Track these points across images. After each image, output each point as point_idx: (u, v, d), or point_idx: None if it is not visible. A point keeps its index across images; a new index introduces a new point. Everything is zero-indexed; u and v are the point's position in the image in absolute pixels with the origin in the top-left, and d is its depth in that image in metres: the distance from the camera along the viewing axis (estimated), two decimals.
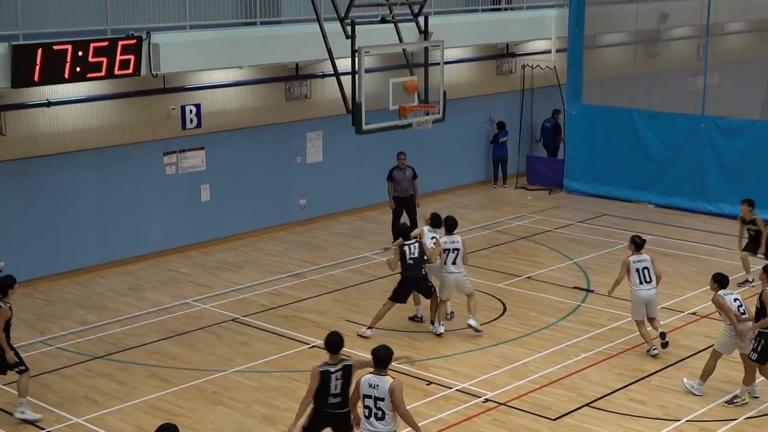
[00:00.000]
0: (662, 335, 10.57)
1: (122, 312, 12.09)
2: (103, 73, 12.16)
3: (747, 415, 9.11)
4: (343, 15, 11.76)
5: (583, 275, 13.47)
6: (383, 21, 12.47)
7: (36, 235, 13.04)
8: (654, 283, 10.51)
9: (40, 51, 11.47)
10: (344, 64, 12.11)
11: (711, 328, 11.36)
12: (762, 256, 12.78)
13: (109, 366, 10.38)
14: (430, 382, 9.88)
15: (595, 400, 9.47)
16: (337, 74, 12.12)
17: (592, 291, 12.74)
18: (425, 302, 11.37)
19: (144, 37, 12.46)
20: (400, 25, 12.79)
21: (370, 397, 7.02)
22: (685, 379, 9.75)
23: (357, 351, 10.69)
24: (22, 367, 9.08)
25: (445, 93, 12.84)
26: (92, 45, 11.90)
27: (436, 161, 17.85)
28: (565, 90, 18.58)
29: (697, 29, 20.08)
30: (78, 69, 11.85)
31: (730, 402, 9.40)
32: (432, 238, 11.25)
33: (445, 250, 10.94)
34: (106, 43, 12.06)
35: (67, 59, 11.71)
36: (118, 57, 12.18)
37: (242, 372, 10.20)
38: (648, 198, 17.35)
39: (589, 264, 13.91)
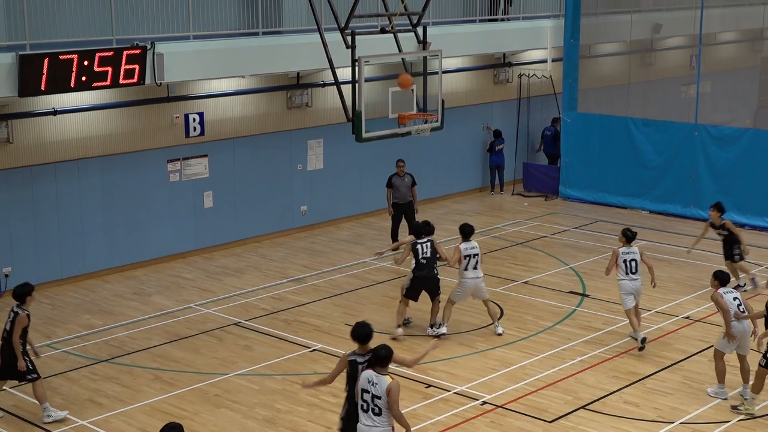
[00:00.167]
0: (642, 341, 10.82)
1: (127, 316, 12.22)
2: (108, 82, 12.28)
3: (740, 418, 9.21)
4: (343, 25, 11.86)
5: (578, 280, 13.62)
6: (383, 31, 12.60)
7: (42, 241, 13.18)
8: (639, 274, 10.91)
9: (46, 60, 11.59)
10: (344, 74, 12.21)
11: (705, 332, 11.54)
12: (736, 259, 12.81)
13: (113, 369, 10.48)
14: (429, 385, 9.99)
15: (591, 403, 9.57)
16: (337, 83, 12.24)
17: (587, 296, 12.89)
18: (413, 305, 11.47)
19: (148, 46, 12.59)
20: (399, 35, 12.91)
21: (368, 392, 7.09)
22: (708, 389, 9.81)
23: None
24: (34, 375, 9.14)
25: (443, 102, 12.97)
26: (98, 55, 12.01)
27: (435, 168, 18.02)
28: (561, 99, 18.77)
29: (690, 39, 20.36)
30: (84, 78, 11.97)
31: (735, 408, 9.42)
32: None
33: (465, 257, 11.13)
34: (111, 53, 12.19)
35: (73, 69, 11.82)
36: (123, 66, 12.29)
37: (244, 375, 10.31)
38: (642, 204, 17.52)
39: (584, 269, 14.06)
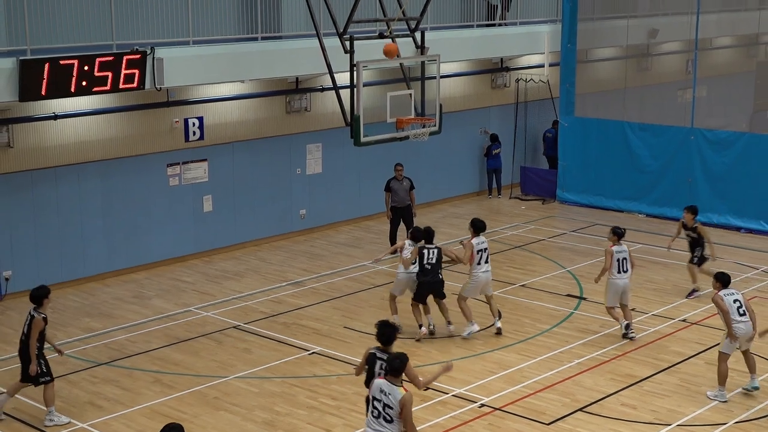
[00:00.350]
0: (627, 327, 11.27)
1: (127, 319, 12.26)
2: (108, 87, 12.32)
3: (737, 419, 9.27)
4: (342, 30, 11.93)
5: (576, 283, 13.68)
6: (381, 36, 12.66)
7: (42, 245, 13.22)
8: (630, 272, 11.16)
9: (47, 65, 11.64)
10: (343, 78, 12.32)
11: (701, 334, 11.61)
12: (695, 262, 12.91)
13: (113, 372, 10.52)
14: (427, 388, 10.01)
15: (588, 405, 9.62)
16: (336, 88, 12.31)
17: (584, 299, 12.96)
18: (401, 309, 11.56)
19: (148, 51, 12.64)
20: (397, 40, 13.01)
21: (379, 401, 7.09)
22: (708, 392, 9.88)
23: (356, 357, 10.95)
24: (47, 378, 9.17)
25: (441, 106, 13.05)
26: (98, 60, 12.07)
27: (433, 172, 18.09)
28: (558, 103, 18.87)
29: (686, 44, 20.46)
30: (84, 83, 12.02)
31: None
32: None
33: (477, 251, 11.27)
34: (111, 58, 12.24)
35: (74, 73, 11.87)
36: (123, 71, 12.34)
37: (243, 378, 10.35)
38: (639, 208, 17.60)
39: (581, 272, 14.11)
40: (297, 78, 15.58)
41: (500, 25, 18.58)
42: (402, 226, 14.94)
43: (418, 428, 7.69)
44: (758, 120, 23.07)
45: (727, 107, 22.25)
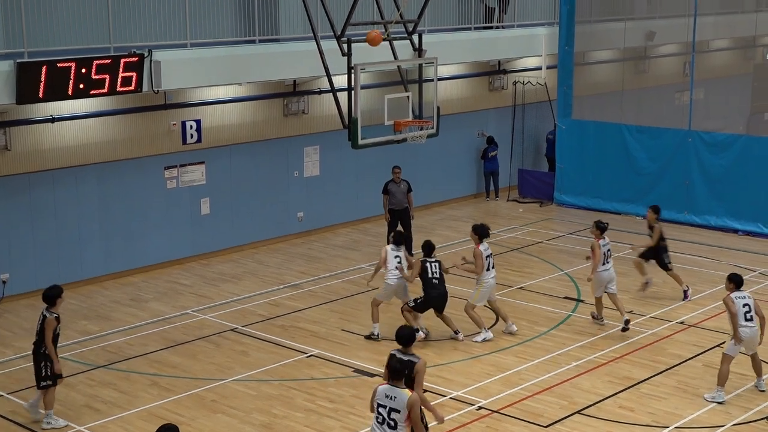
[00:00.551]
0: (626, 322, 11.49)
1: (124, 322, 12.26)
2: (105, 90, 12.33)
3: (735, 422, 9.28)
4: (339, 33, 11.97)
5: (573, 285, 13.69)
6: None
7: (40, 248, 13.22)
8: (612, 262, 11.73)
9: (44, 68, 11.64)
10: (340, 81, 12.35)
11: (699, 337, 11.61)
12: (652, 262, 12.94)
13: (110, 375, 10.51)
14: (425, 390, 10.04)
15: (586, 408, 9.63)
16: (333, 90, 12.35)
17: (582, 301, 12.98)
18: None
19: (146, 54, 12.66)
20: (395, 42, 13.03)
21: (384, 407, 7.08)
22: (705, 395, 9.88)
23: (354, 360, 10.96)
24: (48, 382, 9.18)
25: (438, 108, 13.07)
26: (95, 62, 12.07)
27: (430, 175, 18.10)
28: (556, 105, 18.90)
29: (684, 46, 20.54)
30: (81, 86, 12.02)
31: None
32: (396, 257, 11.32)
33: (487, 257, 11.30)
34: (108, 61, 12.24)
35: (71, 76, 11.88)
36: (121, 74, 12.35)
37: (241, 381, 10.34)
38: (636, 210, 17.59)
39: (579, 274, 14.08)
40: (294, 81, 15.60)
41: (498, 27, 18.60)
42: (400, 229, 14.93)
43: None
44: (755, 122, 23.14)
45: (724, 109, 22.31)
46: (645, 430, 9.19)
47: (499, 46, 18.33)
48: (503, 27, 18.72)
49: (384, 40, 12.61)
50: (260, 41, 14.56)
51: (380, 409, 7.11)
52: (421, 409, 7.34)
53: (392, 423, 7.06)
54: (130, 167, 14.06)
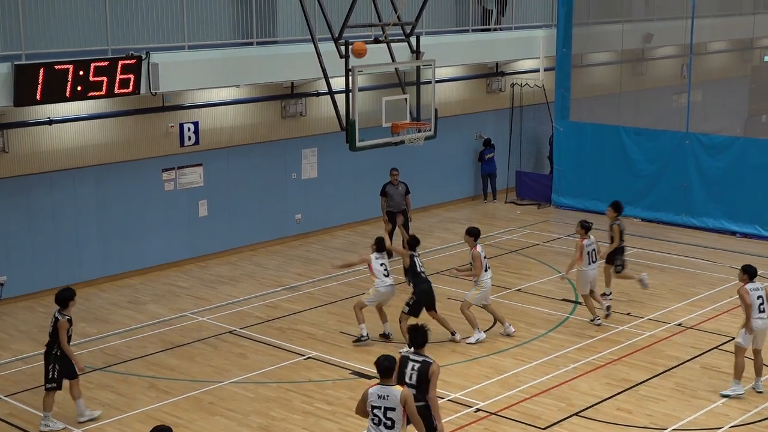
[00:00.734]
0: (607, 308, 12.17)
1: (122, 324, 12.26)
2: (103, 92, 12.35)
3: (732, 423, 9.29)
4: (337, 35, 11.97)
5: (571, 287, 13.62)
6: (376, 41, 12.70)
7: (37, 250, 13.21)
8: (597, 261, 11.98)
9: (42, 70, 11.66)
10: (338, 83, 12.35)
11: (696, 339, 11.62)
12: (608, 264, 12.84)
13: (108, 377, 10.51)
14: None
15: (584, 410, 9.64)
16: (331, 93, 12.36)
17: (580, 303, 12.98)
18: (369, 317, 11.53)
19: (143, 56, 12.67)
20: (392, 45, 13.04)
21: (379, 408, 7.04)
22: (722, 392, 9.92)
23: (352, 362, 10.96)
24: (53, 385, 9.20)
25: (436, 111, 13.08)
26: (93, 64, 12.09)
27: (428, 177, 18.11)
28: (554, 107, 18.92)
29: (681, 49, 20.57)
30: (79, 88, 12.03)
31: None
32: (381, 264, 11.30)
33: (485, 258, 11.39)
34: (106, 63, 12.26)
35: (69, 78, 11.90)
36: (118, 76, 12.37)
37: (239, 383, 10.35)
38: (634, 212, 17.62)
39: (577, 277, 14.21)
40: (292, 83, 15.61)
41: (495, 29, 18.63)
42: (397, 231, 14.93)
43: None
44: (753, 124, 23.17)
45: (722, 112, 22.33)
46: None
47: (497, 48, 18.36)
48: (501, 29, 18.75)
49: (381, 42, 12.64)
50: (258, 43, 14.58)
51: (375, 411, 7.08)
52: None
53: (389, 423, 7.03)
54: (128, 169, 14.06)
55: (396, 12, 12.59)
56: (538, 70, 18.67)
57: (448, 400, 9.89)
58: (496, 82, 19.32)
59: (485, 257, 11.43)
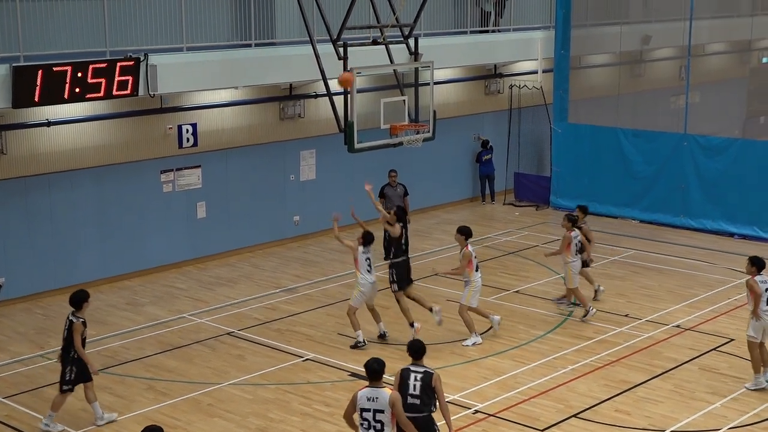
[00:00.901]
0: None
1: (120, 326, 12.25)
2: (101, 94, 12.36)
3: (731, 425, 9.29)
4: (335, 37, 11.98)
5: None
6: (374, 43, 12.72)
7: (36, 252, 13.20)
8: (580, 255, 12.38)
9: (40, 72, 11.66)
10: (337, 85, 12.37)
11: (695, 340, 11.63)
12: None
13: (106, 379, 10.47)
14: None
15: (582, 411, 9.64)
16: (329, 94, 12.36)
17: (578, 305, 12.98)
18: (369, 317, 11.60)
19: (142, 58, 12.68)
20: (390, 46, 13.05)
21: (368, 410, 7.05)
22: (745, 385, 10.04)
23: (350, 364, 10.96)
24: (69, 387, 9.21)
25: (434, 112, 13.09)
26: (91, 66, 12.09)
27: (426, 178, 18.12)
28: (552, 109, 18.95)
29: (679, 50, 20.56)
30: (77, 89, 12.04)
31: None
32: (366, 259, 11.36)
33: (475, 258, 11.41)
34: (104, 65, 12.27)
35: (67, 80, 11.90)
36: (117, 78, 12.38)
37: (237, 385, 10.35)
38: (632, 214, 17.65)
39: None
40: (291, 84, 15.62)
41: (494, 31, 18.66)
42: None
43: None
44: (751, 126, 23.19)
45: (720, 113, 22.34)
46: None
47: (495, 49, 18.38)
48: (499, 31, 18.78)
49: (379, 44, 12.64)
50: (256, 45, 14.59)
51: (365, 414, 7.08)
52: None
53: (378, 426, 7.03)
54: (127, 171, 14.06)
55: (394, 14, 12.61)
56: (536, 72, 18.68)
57: (446, 401, 9.87)
58: (494, 83, 19.34)
59: (476, 257, 11.42)
